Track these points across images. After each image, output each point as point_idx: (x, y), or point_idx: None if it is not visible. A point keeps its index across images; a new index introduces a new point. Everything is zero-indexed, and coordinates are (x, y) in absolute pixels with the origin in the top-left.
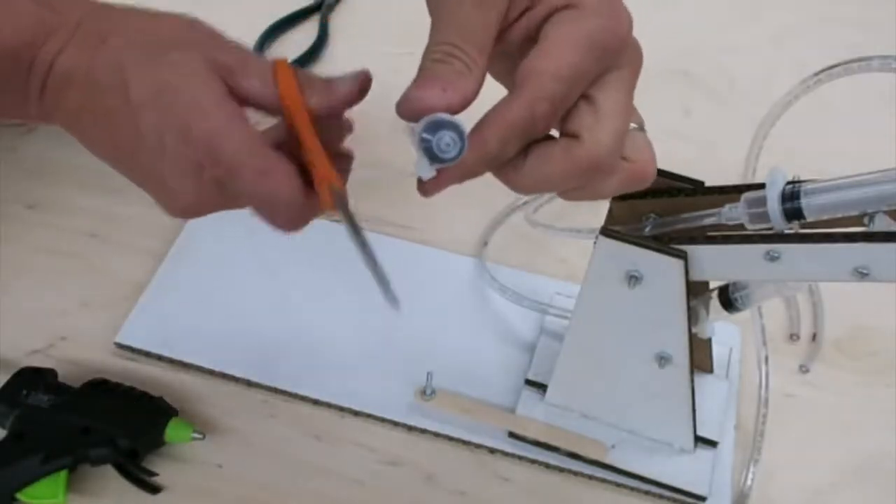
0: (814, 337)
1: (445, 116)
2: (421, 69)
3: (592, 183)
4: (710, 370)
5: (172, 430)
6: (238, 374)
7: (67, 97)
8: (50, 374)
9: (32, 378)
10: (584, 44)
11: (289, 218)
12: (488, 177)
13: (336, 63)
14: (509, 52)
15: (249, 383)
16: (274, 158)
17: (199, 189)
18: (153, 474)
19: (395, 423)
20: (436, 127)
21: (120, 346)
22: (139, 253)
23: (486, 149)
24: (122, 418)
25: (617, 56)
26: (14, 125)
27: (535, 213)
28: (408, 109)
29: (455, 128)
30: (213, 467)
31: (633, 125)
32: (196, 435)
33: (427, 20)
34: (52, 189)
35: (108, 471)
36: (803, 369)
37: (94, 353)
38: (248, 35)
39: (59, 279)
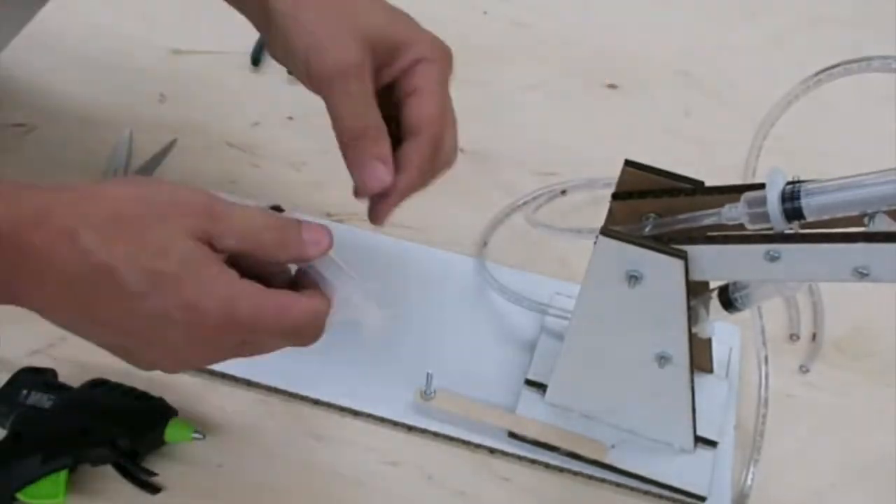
0: (814, 337)
1: None
2: (356, 151)
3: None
4: (709, 370)
5: (172, 430)
6: (238, 374)
7: (42, 291)
8: (50, 374)
9: (32, 378)
10: (443, 83)
11: (318, 331)
12: (488, 178)
13: None
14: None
15: (249, 383)
16: (283, 294)
17: (214, 354)
18: (153, 474)
19: (395, 423)
20: None
21: None
22: None
23: (414, 179)
24: (122, 418)
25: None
26: (14, 125)
27: (536, 212)
28: (369, 192)
29: None
30: (213, 467)
31: None
32: (196, 435)
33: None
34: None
35: (109, 471)
36: (803, 369)
37: (93, 353)
38: (248, 36)
39: None
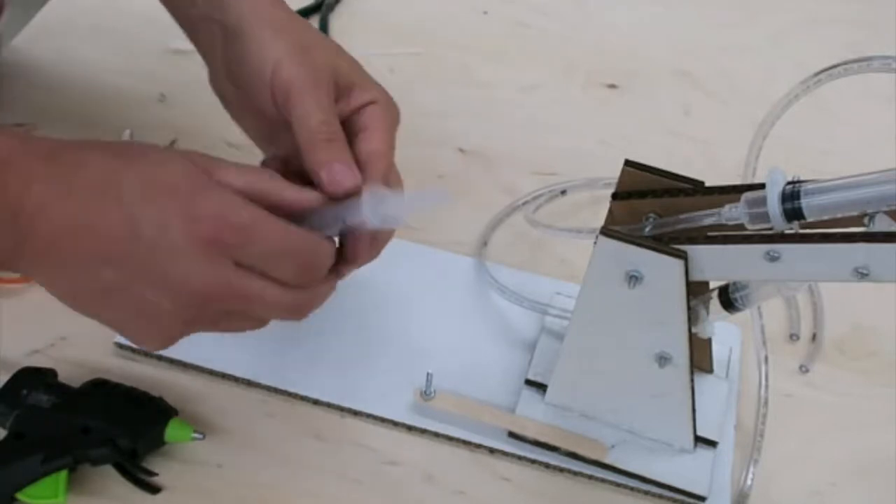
0: (814, 337)
1: None
2: (328, 152)
3: None
4: (709, 370)
5: (172, 430)
6: (238, 374)
7: (41, 227)
8: (50, 374)
9: (32, 378)
10: (391, 130)
11: (320, 271)
12: (488, 178)
13: None
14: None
15: (249, 383)
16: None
17: (205, 284)
18: (153, 474)
19: (395, 423)
20: None
21: (120, 346)
22: None
23: None
24: (122, 418)
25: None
26: (14, 125)
27: (535, 212)
28: (338, 191)
29: None
30: (213, 467)
31: None
32: (196, 435)
33: (426, 23)
34: None
35: (108, 471)
36: (803, 369)
37: (94, 353)
38: None
39: None
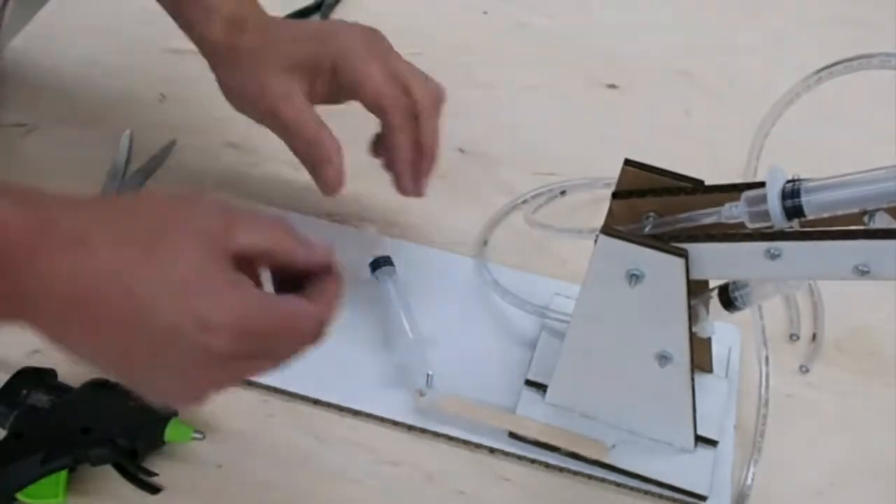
0: (814, 337)
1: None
2: (305, 161)
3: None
4: (709, 370)
5: (172, 430)
6: None
7: (49, 306)
8: (50, 374)
9: (32, 378)
10: (372, 56)
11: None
12: (488, 178)
13: None
14: None
15: (250, 383)
16: (293, 302)
17: (224, 375)
18: (153, 474)
19: (395, 423)
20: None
21: None
22: None
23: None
24: (122, 418)
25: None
26: (14, 125)
27: (535, 213)
28: (333, 192)
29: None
30: (213, 467)
31: None
32: (196, 435)
33: (426, 23)
34: (52, 189)
35: (109, 471)
36: (803, 369)
37: None
38: None
39: None
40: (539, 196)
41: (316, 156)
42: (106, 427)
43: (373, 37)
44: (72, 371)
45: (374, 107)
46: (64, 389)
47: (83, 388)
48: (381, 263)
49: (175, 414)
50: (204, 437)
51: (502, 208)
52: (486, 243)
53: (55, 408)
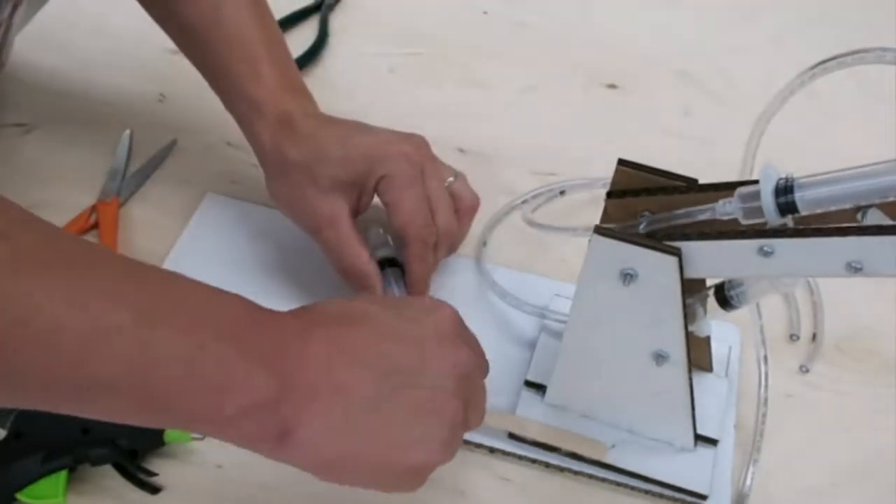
0: (814, 337)
1: None
2: (348, 284)
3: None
4: (709, 369)
5: (172, 431)
6: None
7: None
8: None
9: None
10: (410, 185)
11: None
12: (488, 178)
13: (336, 63)
14: None
15: None
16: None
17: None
18: (153, 474)
19: None
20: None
21: None
22: (139, 254)
23: (417, 273)
24: None
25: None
26: (14, 125)
27: (534, 212)
28: None
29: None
30: (212, 467)
31: (450, 178)
32: (196, 435)
33: (426, 22)
34: (52, 189)
35: (109, 471)
36: (803, 369)
37: None
38: None
39: None
40: (538, 196)
41: (356, 282)
42: (106, 427)
43: (414, 162)
44: None
45: (399, 232)
46: None
47: None
48: (386, 264)
49: None
50: (203, 437)
51: (502, 208)
52: (485, 244)
53: None
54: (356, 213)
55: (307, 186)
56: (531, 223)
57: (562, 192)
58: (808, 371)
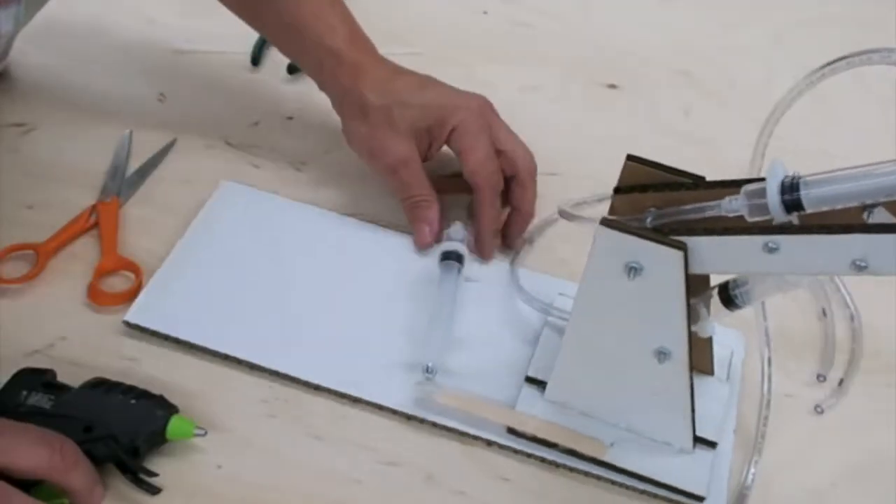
0: (840, 382)
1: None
2: (410, 214)
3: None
4: (710, 372)
5: (174, 427)
6: (241, 357)
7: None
8: (49, 374)
9: (32, 379)
10: (479, 136)
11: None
12: None
13: None
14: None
15: (252, 366)
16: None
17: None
18: (153, 475)
19: (395, 412)
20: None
21: (128, 324)
22: (139, 254)
23: (487, 224)
24: (124, 415)
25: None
26: (14, 125)
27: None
28: (419, 248)
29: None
30: (212, 467)
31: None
32: (198, 431)
33: (426, 22)
34: (52, 189)
35: (109, 471)
36: (821, 378)
37: (94, 353)
38: (247, 36)
39: (59, 279)
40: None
41: (419, 216)
42: (108, 424)
43: (483, 116)
44: (71, 371)
45: (470, 179)
46: (63, 389)
47: (83, 387)
48: (453, 257)
49: (176, 410)
50: (206, 433)
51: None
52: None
53: (56, 408)
54: (425, 159)
55: (386, 128)
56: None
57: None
58: (825, 380)
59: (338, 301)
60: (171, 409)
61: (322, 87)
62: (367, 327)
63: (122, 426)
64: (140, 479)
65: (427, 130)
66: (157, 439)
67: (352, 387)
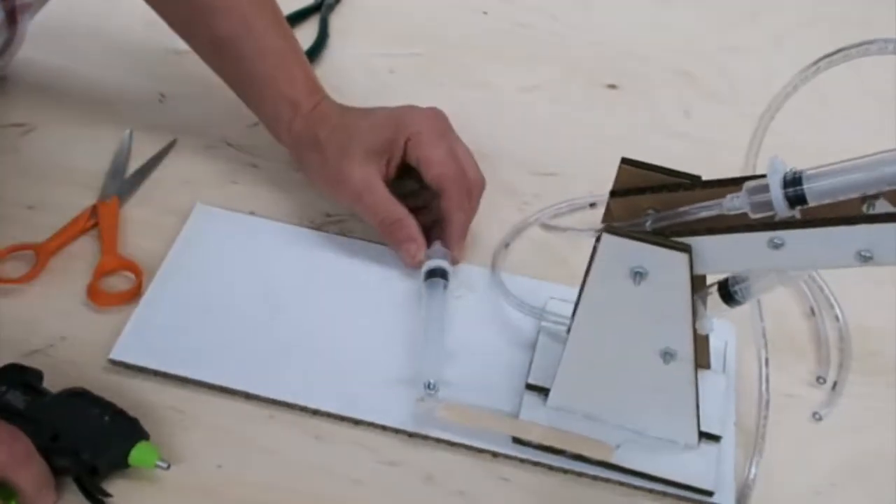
0: (834, 386)
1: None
2: (388, 238)
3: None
4: (707, 366)
5: (137, 454)
6: (236, 387)
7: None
8: (34, 375)
9: (14, 376)
10: (439, 139)
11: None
12: (488, 178)
13: (336, 63)
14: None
15: (248, 396)
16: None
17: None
18: (107, 495)
19: (397, 431)
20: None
21: (114, 362)
22: (139, 253)
23: (458, 224)
24: (92, 433)
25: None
26: (14, 125)
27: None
28: (409, 266)
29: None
30: (213, 467)
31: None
32: (160, 463)
33: (426, 23)
34: (52, 189)
35: (68, 484)
36: (820, 380)
37: (93, 354)
38: None
39: (59, 279)
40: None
41: (400, 236)
42: (74, 438)
43: (438, 121)
44: (70, 373)
45: (436, 184)
46: (42, 393)
47: (60, 395)
48: (438, 274)
49: (145, 437)
50: (168, 467)
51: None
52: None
53: (28, 410)
54: (386, 179)
55: (341, 159)
56: (550, 229)
57: (592, 205)
58: (824, 382)
59: (326, 321)
60: (139, 435)
61: (277, 137)
62: (359, 346)
63: (87, 442)
64: (94, 497)
65: (383, 147)
66: (119, 462)
67: (350, 408)
